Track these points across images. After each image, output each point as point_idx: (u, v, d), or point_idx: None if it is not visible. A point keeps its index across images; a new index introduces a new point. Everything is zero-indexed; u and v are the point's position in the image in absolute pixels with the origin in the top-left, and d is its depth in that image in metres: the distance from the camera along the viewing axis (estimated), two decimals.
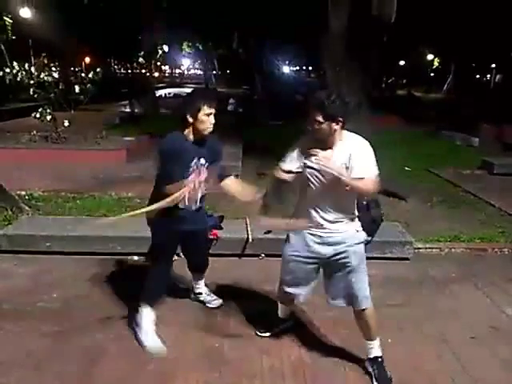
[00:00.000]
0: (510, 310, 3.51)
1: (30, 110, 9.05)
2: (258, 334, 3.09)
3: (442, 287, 3.86)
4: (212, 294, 3.51)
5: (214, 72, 38.89)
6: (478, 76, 37.88)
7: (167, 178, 2.66)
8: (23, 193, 5.94)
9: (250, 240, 4.22)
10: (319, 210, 2.56)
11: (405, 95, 25.13)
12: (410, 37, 22.00)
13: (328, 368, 2.80)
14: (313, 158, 2.42)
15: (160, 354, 2.83)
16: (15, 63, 8.94)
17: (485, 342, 3.09)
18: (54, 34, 18.83)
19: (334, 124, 2.35)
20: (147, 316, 2.97)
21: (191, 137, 2.73)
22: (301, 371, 2.75)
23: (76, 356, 2.83)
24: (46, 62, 9.82)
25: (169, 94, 28.45)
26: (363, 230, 2.82)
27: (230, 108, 15.94)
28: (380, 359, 2.71)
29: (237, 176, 7.10)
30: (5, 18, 19.37)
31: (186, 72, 65.07)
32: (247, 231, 4.31)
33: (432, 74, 40.92)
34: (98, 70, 9.67)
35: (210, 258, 3.46)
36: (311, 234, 2.61)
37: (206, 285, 3.51)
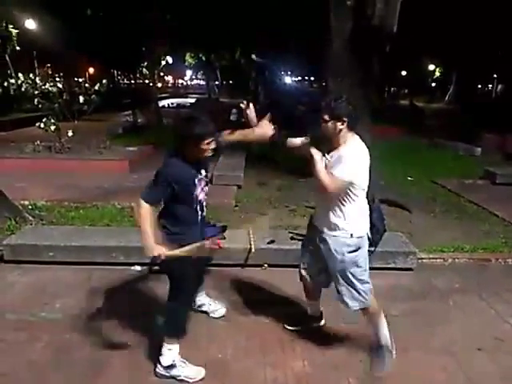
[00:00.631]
0: None
1: (34, 120, 9.11)
2: (287, 327, 3.28)
3: (445, 298, 3.83)
4: (216, 302, 3.50)
5: (217, 82, 39.17)
6: (479, 86, 37.98)
7: (179, 201, 2.66)
8: (27, 202, 5.95)
9: (253, 250, 4.22)
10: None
11: (407, 105, 25.21)
12: (412, 47, 22.13)
13: (332, 380, 2.78)
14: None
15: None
16: (20, 74, 9.01)
17: (490, 353, 3.06)
18: (58, 45, 19.04)
19: (338, 123, 2.55)
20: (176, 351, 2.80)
21: (190, 158, 2.62)
22: (304, 383, 2.73)
23: (78, 367, 2.82)
24: (50, 72, 9.93)
25: (172, 104, 28.59)
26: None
27: (232, 118, 16.02)
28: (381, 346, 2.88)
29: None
30: (10, 29, 19.69)
31: (188, 82, 65.52)
32: (250, 241, 4.30)
33: (433, 84, 41.08)
34: (104, 81, 9.74)
35: (213, 268, 3.46)
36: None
37: (207, 294, 3.49)
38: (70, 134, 8.77)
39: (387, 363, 2.83)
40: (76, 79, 23.75)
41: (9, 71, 18.54)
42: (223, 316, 3.43)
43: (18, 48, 19.38)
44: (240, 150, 9.13)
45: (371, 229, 3.20)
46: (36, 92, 8.65)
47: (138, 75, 37.93)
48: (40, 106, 8.81)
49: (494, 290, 3.96)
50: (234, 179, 7.24)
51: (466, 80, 28.18)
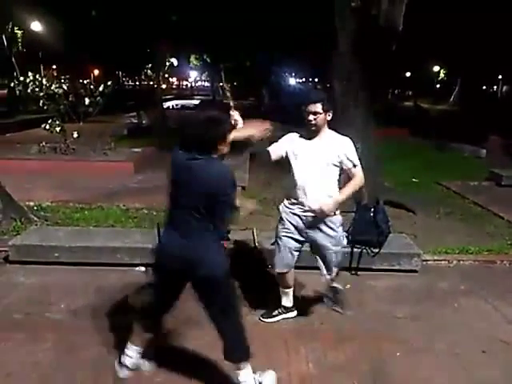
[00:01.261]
0: None
1: (40, 122, 9.17)
2: (261, 319, 3.44)
3: (450, 300, 3.82)
4: None
5: (221, 84, 39.19)
6: (484, 87, 37.85)
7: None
8: (32, 203, 5.99)
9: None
10: None
11: (411, 107, 25.16)
12: (417, 48, 22.08)
13: (336, 382, 2.78)
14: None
15: None
16: (29, 73, 9.06)
17: (495, 356, 3.05)
18: (64, 47, 19.15)
19: (328, 115, 2.99)
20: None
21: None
22: None
23: (83, 368, 2.82)
24: (55, 74, 9.98)
25: (176, 105, 28.68)
26: (371, 242, 2.98)
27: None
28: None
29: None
30: (16, 30, 19.83)
31: (193, 84, 65.62)
32: (254, 242, 4.31)
33: (438, 86, 40.97)
34: (109, 83, 9.79)
35: None
36: None
37: None
38: (75, 135, 8.82)
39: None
40: (81, 81, 23.89)
41: (15, 73, 18.64)
42: None
43: (23, 50, 19.50)
44: (242, 150, 9.14)
45: (376, 230, 3.22)
46: (42, 93, 8.70)
47: (142, 77, 38.07)
48: (46, 107, 8.87)
49: (499, 292, 3.95)
50: (238, 180, 7.23)
51: (470, 81, 28.08)
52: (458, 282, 4.15)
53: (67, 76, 9.72)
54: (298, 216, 3.14)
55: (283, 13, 17.04)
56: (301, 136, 3.12)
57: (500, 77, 34.21)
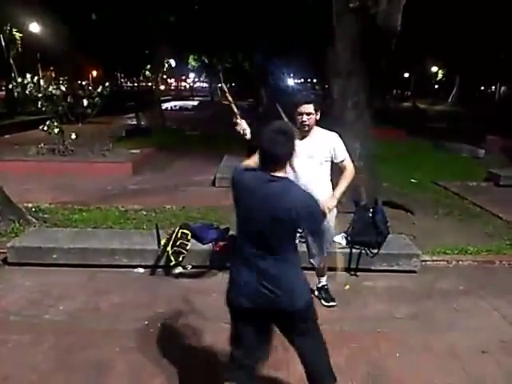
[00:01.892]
0: None
1: (38, 123, 9.15)
2: None
3: (449, 300, 3.82)
4: None
5: (220, 85, 39.17)
6: (482, 88, 37.92)
7: None
8: (30, 205, 5.98)
9: None
10: None
11: (410, 107, 25.19)
12: (415, 49, 22.14)
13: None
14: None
15: None
16: (28, 75, 9.04)
17: (495, 356, 3.04)
18: (62, 48, 19.14)
19: (318, 115, 3.15)
20: None
21: None
22: None
23: (82, 369, 2.81)
24: (53, 75, 9.96)
25: (175, 106, 28.68)
26: (370, 242, 3.02)
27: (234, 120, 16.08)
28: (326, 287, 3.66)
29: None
30: (14, 32, 19.81)
31: (192, 85, 65.61)
32: None
33: (437, 86, 41.03)
34: (107, 84, 9.78)
35: (214, 271, 3.45)
36: None
37: None
38: (74, 136, 8.81)
39: None
40: (80, 82, 23.87)
41: (13, 74, 18.64)
42: None
43: (22, 51, 19.49)
44: (239, 151, 9.14)
45: (375, 231, 3.25)
46: (40, 95, 8.69)
47: (141, 78, 38.08)
48: (44, 108, 8.85)
49: (498, 292, 3.95)
50: None
51: (469, 82, 28.14)
52: (457, 282, 4.15)
53: (66, 77, 9.66)
54: None
55: (281, 12, 17.06)
56: None
57: (498, 77, 34.24)
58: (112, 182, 7.56)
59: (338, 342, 3.16)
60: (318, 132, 3.24)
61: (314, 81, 49.54)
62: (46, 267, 4.18)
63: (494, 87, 38.28)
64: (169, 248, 4.17)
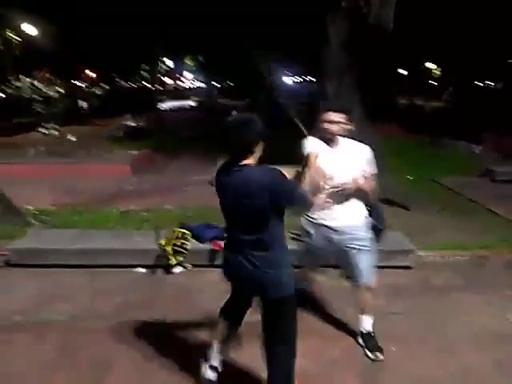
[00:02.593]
0: None
1: (36, 125, 9.19)
2: None
3: (444, 295, 3.89)
4: None
5: (217, 84, 39.22)
6: (478, 83, 37.94)
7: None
8: (31, 207, 6.01)
9: None
10: None
11: (406, 104, 25.25)
12: (411, 46, 22.18)
13: (332, 376, 2.84)
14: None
15: None
16: (22, 77, 9.09)
17: (489, 350, 3.11)
18: (57, 49, 19.14)
19: (346, 124, 2.92)
20: None
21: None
22: (305, 380, 2.78)
23: (84, 367, 2.88)
24: (49, 76, 10.00)
25: (173, 106, 28.68)
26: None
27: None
28: (372, 333, 3.15)
29: None
30: (10, 33, 19.82)
31: (189, 85, 65.51)
32: None
33: (433, 82, 41.05)
34: (102, 85, 9.84)
35: (214, 269, 3.50)
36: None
37: None
38: (72, 138, 8.86)
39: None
40: (76, 83, 23.86)
41: (8, 77, 18.65)
42: None
43: (17, 52, 19.51)
44: None
45: (372, 228, 3.29)
46: (35, 97, 8.74)
47: (138, 78, 38.07)
48: (39, 110, 8.90)
49: (492, 287, 4.02)
50: None
51: (464, 78, 28.19)
52: (453, 278, 4.23)
53: (61, 78, 9.72)
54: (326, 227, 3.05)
55: (278, 11, 17.12)
56: (319, 142, 2.99)
57: (494, 73, 34.30)
58: (111, 183, 7.59)
59: (333, 337, 3.24)
60: (347, 143, 3.01)
61: (314, 80, 49.51)
62: (47, 268, 4.24)
63: (489, 83, 38.34)
64: (169, 248, 4.24)
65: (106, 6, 17.90)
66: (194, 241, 4.41)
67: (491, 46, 21.05)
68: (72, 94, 9.63)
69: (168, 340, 3.17)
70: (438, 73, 39.08)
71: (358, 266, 3.07)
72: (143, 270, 4.30)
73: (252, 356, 3.03)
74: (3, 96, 18.76)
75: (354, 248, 3.03)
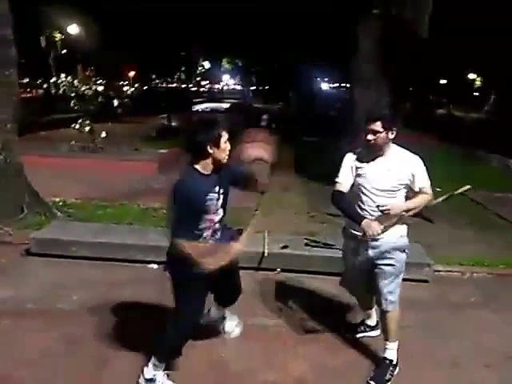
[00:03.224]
0: None
1: (71, 121, 9.51)
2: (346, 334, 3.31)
3: (459, 311, 3.75)
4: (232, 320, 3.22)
5: (253, 87, 39.42)
6: None
7: (188, 223, 2.44)
8: (57, 199, 6.22)
9: (266, 254, 4.27)
10: None
11: (444, 114, 24.64)
12: (452, 55, 21.66)
13: None
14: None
15: None
16: (62, 75, 9.43)
17: (498, 371, 2.99)
18: (100, 49, 19.76)
19: (390, 133, 2.70)
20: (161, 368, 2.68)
21: (208, 169, 2.45)
22: None
23: (89, 357, 2.95)
24: (91, 75, 10.35)
25: (206, 108, 29.01)
26: None
27: (262, 124, 16.13)
28: (388, 361, 2.88)
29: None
30: (55, 34, 20.61)
31: (224, 87, 66.13)
32: (264, 245, 4.36)
33: (474, 93, 39.89)
34: (137, 85, 10.10)
35: None
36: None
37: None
38: (103, 135, 9.12)
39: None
40: (117, 82, 24.53)
41: (52, 74, 19.40)
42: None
43: (61, 52, 20.27)
44: None
45: None
46: (73, 94, 9.04)
47: (175, 79, 38.75)
48: (76, 107, 9.20)
49: (510, 307, 3.85)
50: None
51: (506, 89, 27.22)
52: (470, 294, 4.08)
53: (103, 77, 10.04)
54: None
55: (314, 17, 17.10)
56: (361, 154, 2.84)
57: None
58: (137, 180, 7.74)
59: (338, 347, 3.18)
60: (394, 153, 2.78)
61: (349, 85, 49.05)
62: (65, 259, 4.36)
63: None
64: None
65: (148, 6, 18.37)
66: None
67: None
68: (108, 92, 9.90)
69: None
70: (479, 83, 37.95)
71: (382, 289, 2.82)
72: (155, 266, 4.36)
73: (252, 355, 3.03)
74: (45, 93, 19.59)
75: (384, 267, 2.80)
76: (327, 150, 8.92)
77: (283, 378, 2.84)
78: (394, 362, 2.88)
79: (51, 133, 12.80)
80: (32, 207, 5.49)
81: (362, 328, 3.33)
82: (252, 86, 38.47)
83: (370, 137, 2.69)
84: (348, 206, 2.80)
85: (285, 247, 4.38)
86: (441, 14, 6.39)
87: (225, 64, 35.80)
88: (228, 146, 2.45)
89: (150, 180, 7.93)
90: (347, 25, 7.10)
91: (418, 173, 2.76)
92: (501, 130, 15.83)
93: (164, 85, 43.78)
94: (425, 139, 13.37)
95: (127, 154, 9.12)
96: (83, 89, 9.20)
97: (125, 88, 10.19)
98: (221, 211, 2.59)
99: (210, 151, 2.37)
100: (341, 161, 2.89)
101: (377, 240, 2.73)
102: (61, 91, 9.21)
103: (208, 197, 2.43)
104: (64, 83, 9.32)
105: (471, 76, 36.17)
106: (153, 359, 2.66)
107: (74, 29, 21.24)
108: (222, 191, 2.52)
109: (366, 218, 2.68)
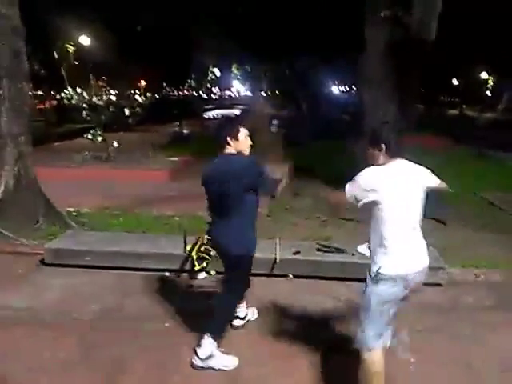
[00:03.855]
0: None
1: (84, 131, 9.65)
2: None
3: (473, 315, 3.70)
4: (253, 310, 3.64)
5: (263, 93, 39.46)
6: None
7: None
8: (71, 209, 6.30)
9: (278, 261, 4.27)
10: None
11: (456, 114, 24.40)
12: (463, 55, 21.47)
13: None
14: None
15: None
16: (69, 88, 9.59)
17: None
18: (112, 59, 20.03)
19: (376, 150, 2.51)
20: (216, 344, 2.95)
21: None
22: None
23: (103, 365, 2.98)
24: (103, 85, 10.50)
25: (217, 115, 29.08)
26: None
27: (273, 129, 16.16)
28: None
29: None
30: (67, 45, 20.96)
31: (235, 94, 66.31)
32: (275, 251, 4.35)
33: (488, 93, 39.42)
34: (148, 94, 10.23)
35: None
36: None
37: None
38: (116, 144, 9.23)
39: None
40: (129, 92, 24.83)
41: (65, 85, 19.72)
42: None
43: (74, 63, 20.59)
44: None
45: None
46: (84, 105, 9.18)
47: (186, 87, 39.07)
48: (88, 118, 9.34)
49: None
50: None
51: None
52: (485, 297, 4.03)
53: (114, 88, 10.18)
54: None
55: (322, 21, 17.09)
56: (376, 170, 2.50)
57: None
58: (150, 189, 7.82)
59: (353, 351, 3.16)
60: (401, 164, 2.52)
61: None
62: (79, 268, 4.42)
63: None
64: (194, 253, 4.30)
65: (159, 17, 18.54)
66: None
67: None
68: (120, 102, 10.04)
69: (187, 343, 3.18)
70: (492, 83, 37.51)
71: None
72: (168, 274, 4.39)
73: (252, 355, 3.03)
74: (58, 104, 19.90)
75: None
76: (339, 154, 8.90)
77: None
78: None
79: (64, 143, 13.00)
80: (46, 218, 5.58)
81: None
82: (262, 91, 38.55)
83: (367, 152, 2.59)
84: None
85: (297, 253, 4.38)
86: (452, 13, 6.32)
87: (234, 70, 35.99)
88: (248, 141, 2.93)
89: (162, 188, 8.03)
90: (358, 27, 7.09)
91: (428, 178, 2.64)
92: None
93: (175, 93, 44.22)
94: (437, 140, 13.28)
95: (139, 162, 9.22)
96: (94, 99, 9.33)
97: (137, 97, 10.26)
98: None
99: (231, 143, 2.85)
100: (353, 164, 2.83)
101: None
102: (73, 102, 9.35)
103: None
104: (75, 94, 9.47)
105: (484, 76, 35.75)
106: (206, 338, 2.90)
107: (86, 40, 21.59)
108: None
109: None
